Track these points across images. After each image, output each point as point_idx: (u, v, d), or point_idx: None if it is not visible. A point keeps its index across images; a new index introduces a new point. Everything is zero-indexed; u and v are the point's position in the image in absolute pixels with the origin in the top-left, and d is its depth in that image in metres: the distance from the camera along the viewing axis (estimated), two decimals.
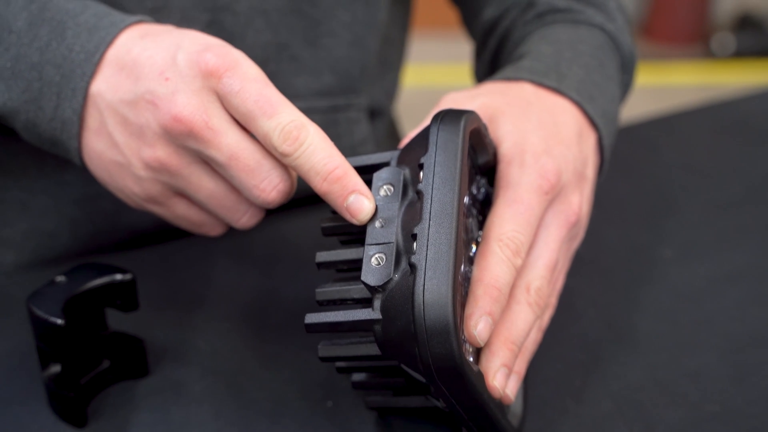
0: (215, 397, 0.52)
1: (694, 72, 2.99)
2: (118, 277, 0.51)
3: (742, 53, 3.04)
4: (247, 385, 0.53)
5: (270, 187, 0.47)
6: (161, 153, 0.48)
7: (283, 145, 0.46)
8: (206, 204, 0.50)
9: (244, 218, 0.50)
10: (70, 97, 0.50)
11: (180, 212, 0.52)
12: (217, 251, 0.66)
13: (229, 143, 0.47)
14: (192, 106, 0.46)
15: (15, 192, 0.65)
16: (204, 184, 0.49)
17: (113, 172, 0.51)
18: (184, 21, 0.62)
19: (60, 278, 0.50)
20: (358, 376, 0.49)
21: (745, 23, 3.11)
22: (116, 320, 0.53)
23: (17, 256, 0.66)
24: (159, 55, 0.48)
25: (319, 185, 0.46)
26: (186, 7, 0.62)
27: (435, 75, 2.76)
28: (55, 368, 0.49)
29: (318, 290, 0.45)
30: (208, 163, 0.48)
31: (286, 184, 0.48)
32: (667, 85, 2.78)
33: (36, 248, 0.66)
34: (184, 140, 0.47)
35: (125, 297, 0.51)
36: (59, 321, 0.47)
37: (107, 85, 0.49)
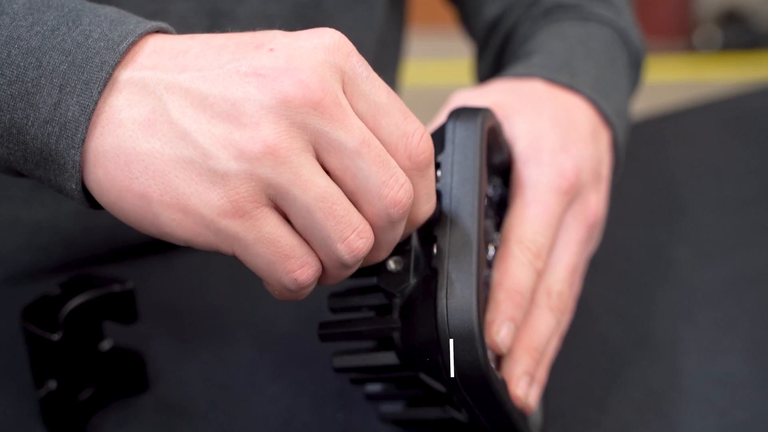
0: (222, 412, 0.50)
1: (676, 66, 2.99)
2: (117, 288, 0.48)
3: (726, 48, 3.04)
4: (255, 399, 0.51)
5: (398, 184, 0.37)
6: (268, 132, 0.35)
7: (421, 155, 0.38)
8: (311, 210, 0.36)
9: (353, 236, 0.37)
10: (80, 91, 0.37)
11: (267, 231, 0.37)
12: (219, 258, 0.63)
13: (360, 126, 0.36)
14: (319, 75, 0.35)
15: (5, 204, 0.62)
16: (316, 180, 0.36)
17: (173, 178, 0.36)
18: (183, 26, 0.60)
19: (54, 291, 0.48)
20: (371, 387, 0.46)
21: (731, 18, 3.11)
22: (114, 333, 0.51)
23: (9, 271, 0.63)
24: (237, 37, 0.37)
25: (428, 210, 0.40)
26: (185, 12, 0.59)
27: (431, 72, 2.74)
28: (51, 385, 0.47)
29: (330, 296, 0.43)
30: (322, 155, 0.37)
31: (410, 184, 0.38)
32: (649, 80, 2.78)
33: (29, 263, 0.63)
34: (306, 115, 0.35)
35: (124, 308, 0.49)
36: (55, 336, 0.45)
37: (163, 68, 0.37)
